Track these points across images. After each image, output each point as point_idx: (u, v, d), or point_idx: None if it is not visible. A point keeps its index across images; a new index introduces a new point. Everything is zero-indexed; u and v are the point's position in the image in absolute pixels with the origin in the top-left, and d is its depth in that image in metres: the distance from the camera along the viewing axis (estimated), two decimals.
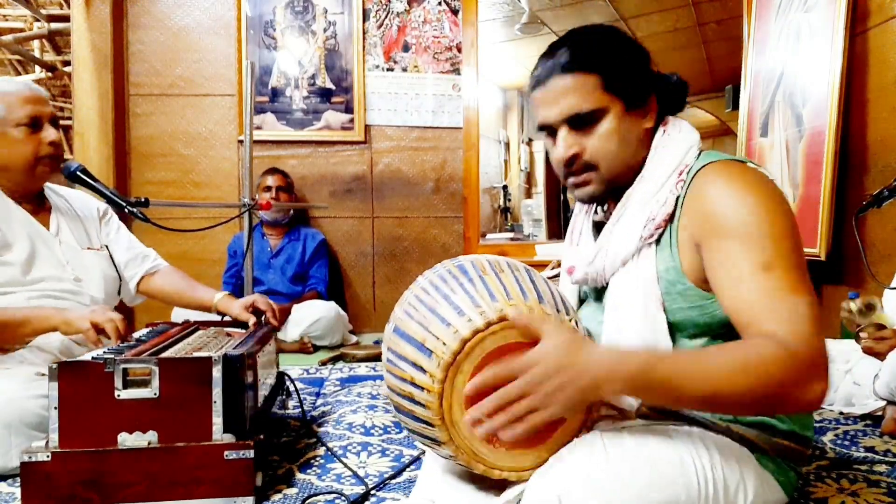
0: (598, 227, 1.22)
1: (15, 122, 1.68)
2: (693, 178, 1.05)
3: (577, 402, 0.89)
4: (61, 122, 2.20)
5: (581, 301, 1.31)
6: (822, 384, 0.87)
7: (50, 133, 1.73)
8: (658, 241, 1.07)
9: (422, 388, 0.99)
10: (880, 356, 1.75)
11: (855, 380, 1.88)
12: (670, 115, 1.16)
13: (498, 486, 1.06)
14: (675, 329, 1.06)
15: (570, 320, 1.03)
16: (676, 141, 1.10)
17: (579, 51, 1.07)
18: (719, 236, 0.98)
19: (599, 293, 1.19)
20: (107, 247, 1.92)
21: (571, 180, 1.12)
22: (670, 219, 1.06)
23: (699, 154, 1.09)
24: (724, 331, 1.04)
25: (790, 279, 0.92)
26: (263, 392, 1.60)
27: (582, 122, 1.07)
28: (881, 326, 1.79)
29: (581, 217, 1.29)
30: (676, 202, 1.05)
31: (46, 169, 1.75)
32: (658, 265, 1.06)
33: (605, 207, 1.22)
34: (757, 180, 1.01)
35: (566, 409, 0.87)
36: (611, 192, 1.13)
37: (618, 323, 1.09)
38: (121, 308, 1.99)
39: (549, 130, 1.12)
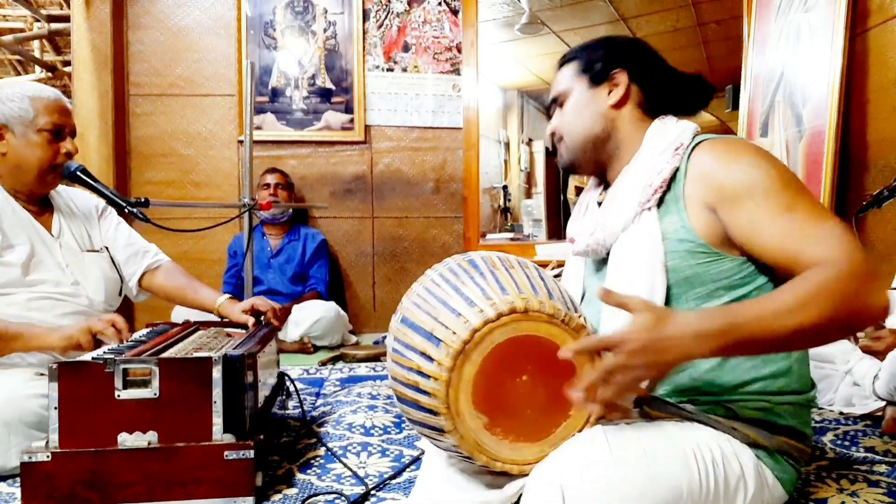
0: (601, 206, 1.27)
1: (39, 127, 1.70)
2: (692, 151, 1.12)
3: (666, 372, 0.93)
4: None
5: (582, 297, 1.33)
6: (882, 292, 0.94)
7: (69, 145, 1.76)
8: (660, 205, 1.12)
9: (428, 377, 0.99)
10: (878, 355, 1.76)
11: (855, 380, 1.88)
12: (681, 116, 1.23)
13: (498, 487, 1.06)
14: (682, 287, 1.09)
15: (579, 317, 1.03)
16: (672, 125, 1.19)
17: (570, 51, 1.29)
18: (737, 199, 1.04)
19: (600, 263, 1.24)
20: (107, 248, 1.92)
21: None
22: (670, 184, 1.11)
23: (694, 136, 1.16)
24: (731, 287, 1.07)
25: (813, 212, 1.01)
26: (264, 392, 1.60)
27: (558, 103, 1.28)
28: (879, 326, 1.80)
29: (591, 193, 1.35)
30: (677, 172, 1.11)
31: (56, 178, 1.77)
32: (664, 227, 1.11)
33: (606, 187, 1.28)
34: (752, 145, 1.12)
35: (659, 375, 0.93)
36: (590, 167, 1.27)
37: (621, 280, 1.13)
38: (123, 307, 1.98)
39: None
